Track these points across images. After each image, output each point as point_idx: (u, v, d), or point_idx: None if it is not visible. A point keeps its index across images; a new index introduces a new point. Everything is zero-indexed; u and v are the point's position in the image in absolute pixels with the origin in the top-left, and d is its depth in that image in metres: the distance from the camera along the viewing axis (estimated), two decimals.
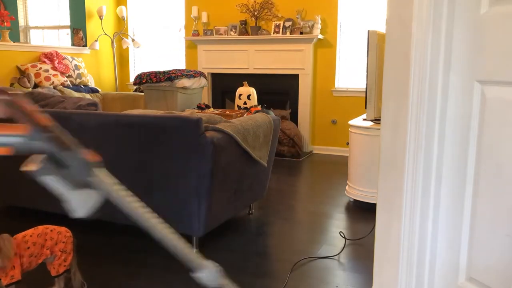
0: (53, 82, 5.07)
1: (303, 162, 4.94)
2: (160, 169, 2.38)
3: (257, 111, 4.24)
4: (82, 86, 5.40)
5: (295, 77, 5.38)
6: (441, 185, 1.59)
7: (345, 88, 5.31)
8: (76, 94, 4.93)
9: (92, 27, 6.06)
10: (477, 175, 1.49)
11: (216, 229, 2.81)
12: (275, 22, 5.36)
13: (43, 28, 6.44)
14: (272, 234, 2.80)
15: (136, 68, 6.50)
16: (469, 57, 1.47)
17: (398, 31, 1.60)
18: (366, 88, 3.32)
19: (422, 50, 1.51)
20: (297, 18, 5.26)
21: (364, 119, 3.46)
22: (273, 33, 5.34)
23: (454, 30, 1.50)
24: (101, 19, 6.03)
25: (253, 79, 5.46)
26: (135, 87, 5.81)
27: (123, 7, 6.17)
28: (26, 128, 0.80)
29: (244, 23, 5.53)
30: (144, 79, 4.54)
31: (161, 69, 4.85)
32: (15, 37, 6.13)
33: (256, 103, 4.91)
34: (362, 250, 2.55)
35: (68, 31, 6.20)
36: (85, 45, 5.97)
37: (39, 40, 6.49)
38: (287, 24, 5.29)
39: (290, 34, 5.26)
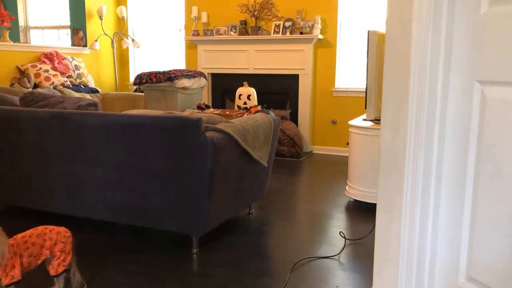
0: (53, 82, 5.07)
1: (303, 162, 4.94)
2: (160, 169, 2.38)
3: (257, 111, 4.24)
4: (82, 86, 5.39)
5: (295, 77, 5.38)
6: (441, 185, 1.59)
7: (345, 88, 5.31)
8: (76, 94, 4.93)
9: (92, 27, 6.06)
10: (477, 175, 1.49)
11: (216, 229, 2.81)
12: (275, 22, 5.36)
13: (43, 28, 6.44)
14: (272, 234, 2.80)
15: (136, 68, 6.50)
16: (469, 57, 1.47)
17: (398, 31, 1.59)
18: (366, 88, 3.32)
19: (422, 50, 1.51)
20: (297, 18, 5.26)
21: (364, 119, 3.46)
22: (273, 33, 5.34)
23: (454, 30, 1.50)
24: (101, 19, 6.03)
25: (253, 79, 5.46)
26: (135, 87, 5.81)
27: (123, 7, 6.17)
28: None
29: (244, 23, 5.52)
30: (144, 79, 4.54)
31: (161, 69, 4.85)
32: (15, 37, 6.14)
33: (256, 103, 4.91)
34: (362, 250, 2.55)
35: (68, 31, 6.20)
36: (85, 45, 5.97)
37: (39, 40, 6.49)
38: (287, 24, 5.29)
39: (290, 34, 5.26)
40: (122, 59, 6.50)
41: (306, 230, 2.86)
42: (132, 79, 6.44)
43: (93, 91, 5.34)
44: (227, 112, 4.16)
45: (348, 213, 3.21)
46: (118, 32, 6.33)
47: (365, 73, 3.32)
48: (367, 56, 3.28)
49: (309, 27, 5.18)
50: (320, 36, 5.18)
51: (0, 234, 1.64)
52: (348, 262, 2.40)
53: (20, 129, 2.72)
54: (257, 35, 5.40)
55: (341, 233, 2.79)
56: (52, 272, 1.83)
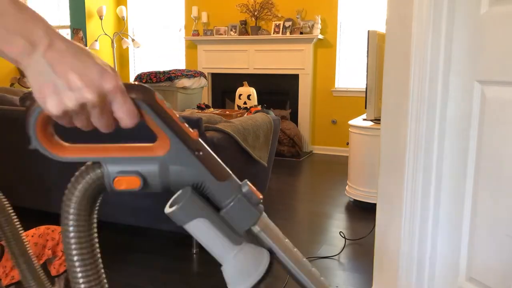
0: None
1: (303, 162, 4.94)
2: None
3: (257, 111, 4.24)
4: None
5: (295, 77, 5.38)
6: (441, 185, 1.59)
7: (345, 88, 5.31)
8: None
9: (92, 27, 6.06)
10: (477, 175, 1.49)
11: None
12: (275, 22, 5.36)
13: None
14: None
15: (136, 68, 6.50)
16: (469, 57, 1.47)
17: (398, 31, 1.60)
18: (366, 88, 3.32)
19: (422, 50, 1.52)
20: (297, 18, 5.26)
21: (364, 119, 3.46)
22: (273, 33, 5.34)
23: (454, 30, 1.50)
24: (101, 19, 6.03)
25: (253, 79, 5.46)
26: None
27: (123, 7, 6.17)
28: (162, 146, 0.53)
29: (244, 23, 5.52)
30: (144, 79, 4.55)
31: (161, 69, 4.85)
32: None
33: (256, 103, 4.92)
34: (362, 250, 2.55)
35: (68, 31, 6.20)
36: (85, 45, 5.97)
37: None
38: (287, 24, 5.29)
39: (290, 34, 5.26)
40: (122, 59, 6.50)
41: (306, 230, 2.86)
42: (132, 79, 6.44)
43: None
44: (227, 112, 4.16)
45: (348, 213, 3.21)
46: (118, 32, 6.33)
47: (365, 73, 3.32)
48: (367, 56, 3.28)
49: (309, 27, 5.18)
50: (320, 36, 5.18)
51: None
52: (348, 262, 2.40)
53: (20, 129, 2.72)
54: (257, 35, 5.40)
55: (341, 233, 2.80)
56: (53, 272, 1.82)
